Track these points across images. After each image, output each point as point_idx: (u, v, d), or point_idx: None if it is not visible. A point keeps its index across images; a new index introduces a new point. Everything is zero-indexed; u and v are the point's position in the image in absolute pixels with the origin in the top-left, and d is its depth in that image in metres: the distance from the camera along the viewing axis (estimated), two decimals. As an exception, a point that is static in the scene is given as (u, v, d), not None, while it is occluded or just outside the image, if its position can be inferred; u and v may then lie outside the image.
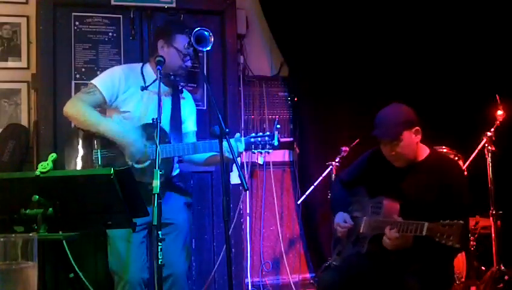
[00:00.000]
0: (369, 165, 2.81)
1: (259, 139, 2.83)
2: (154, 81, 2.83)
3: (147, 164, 2.76)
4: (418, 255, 2.46)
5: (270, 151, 2.85)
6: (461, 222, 2.21)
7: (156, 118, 2.51)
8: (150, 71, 2.95)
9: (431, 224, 2.28)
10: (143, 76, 2.92)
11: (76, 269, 2.22)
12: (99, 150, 2.79)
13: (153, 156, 2.71)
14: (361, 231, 2.67)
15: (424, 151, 2.66)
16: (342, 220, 2.77)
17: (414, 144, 2.59)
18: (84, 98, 2.82)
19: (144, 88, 2.86)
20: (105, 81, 2.85)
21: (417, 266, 2.46)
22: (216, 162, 2.96)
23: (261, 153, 2.88)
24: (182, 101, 3.03)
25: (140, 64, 3.01)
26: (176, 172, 3.02)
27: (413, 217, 2.42)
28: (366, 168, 2.83)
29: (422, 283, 2.40)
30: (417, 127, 2.59)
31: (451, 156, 3.64)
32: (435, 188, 2.52)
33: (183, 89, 3.10)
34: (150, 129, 2.78)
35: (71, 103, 2.83)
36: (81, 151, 2.83)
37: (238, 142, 2.79)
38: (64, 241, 2.06)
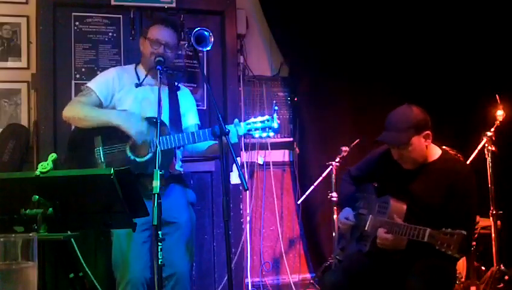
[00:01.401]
0: (379, 164, 2.78)
1: (258, 123, 2.82)
2: (145, 77, 2.94)
3: (148, 157, 2.78)
4: (420, 256, 2.45)
5: (270, 134, 2.85)
6: (463, 232, 2.18)
7: (156, 118, 2.53)
8: (142, 71, 3.01)
9: (433, 231, 2.26)
10: (137, 74, 2.99)
11: (87, 269, 2.22)
12: (101, 148, 2.82)
13: (154, 148, 2.75)
14: (366, 228, 2.66)
15: (435, 153, 2.63)
16: (344, 217, 2.79)
17: (423, 148, 2.56)
18: (81, 99, 2.89)
19: (138, 85, 2.93)
20: (100, 82, 2.93)
21: (420, 267, 2.46)
22: (215, 151, 2.97)
23: (261, 137, 2.87)
24: (179, 95, 3.06)
25: (133, 64, 3.07)
26: (179, 170, 3.02)
27: (420, 219, 2.41)
28: (376, 166, 2.81)
29: (425, 284, 2.38)
30: (427, 131, 2.54)
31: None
32: (443, 191, 2.50)
33: (180, 85, 3.12)
34: (149, 122, 2.83)
35: (69, 106, 2.91)
36: (82, 152, 2.84)
37: (238, 127, 2.79)
38: (73, 240, 2.07)
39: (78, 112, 2.84)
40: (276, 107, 2.82)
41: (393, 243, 2.45)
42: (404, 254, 2.48)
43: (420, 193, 2.55)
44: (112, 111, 2.85)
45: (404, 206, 2.53)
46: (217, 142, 2.76)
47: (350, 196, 2.91)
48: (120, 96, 2.91)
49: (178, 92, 3.07)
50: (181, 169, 3.06)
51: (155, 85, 2.94)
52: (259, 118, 2.83)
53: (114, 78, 2.94)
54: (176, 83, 3.09)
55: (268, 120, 2.82)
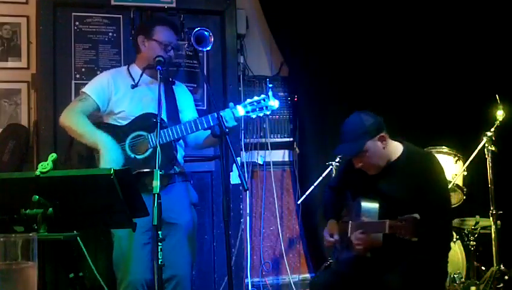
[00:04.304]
0: (348, 172, 2.83)
1: (254, 102, 2.82)
2: (141, 75, 2.90)
3: (148, 153, 2.78)
4: (401, 251, 2.47)
5: (268, 112, 2.84)
6: (415, 215, 2.24)
7: (156, 118, 2.52)
8: (136, 70, 2.98)
9: (391, 221, 2.33)
10: (131, 75, 2.96)
11: (92, 267, 2.23)
12: None
13: (153, 143, 2.74)
14: (349, 235, 2.70)
15: (397, 150, 2.64)
16: (328, 234, 2.84)
17: (381, 151, 2.58)
18: (78, 107, 2.85)
19: (134, 86, 2.90)
20: (95, 87, 2.90)
21: (399, 262, 2.48)
22: (213, 142, 2.96)
23: (259, 116, 2.85)
24: (176, 91, 3.05)
25: (126, 66, 3.04)
26: (181, 167, 3.02)
27: (394, 216, 2.43)
28: (346, 175, 2.87)
29: (404, 281, 2.40)
30: (381, 134, 2.56)
31: (451, 156, 3.65)
32: (412, 185, 2.53)
33: (175, 80, 3.11)
34: (144, 119, 2.82)
35: (66, 114, 2.85)
36: (82, 153, 2.84)
37: (234, 109, 2.78)
38: (79, 239, 2.07)
39: (75, 126, 2.78)
40: (270, 85, 2.83)
41: (368, 242, 2.49)
42: (384, 251, 2.50)
43: (390, 191, 2.57)
44: (101, 135, 2.75)
45: (376, 205, 2.57)
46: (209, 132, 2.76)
47: (332, 207, 2.96)
48: (117, 98, 2.89)
49: (174, 87, 3.05)
50: (183, 167, 3.05)
51: (151, 83, 2.93)
52: (255, 98, 2.83)
53: (109, 82, 2.90)
54: (171, 78, 3.07)
55: (264, 99, 2.82)
